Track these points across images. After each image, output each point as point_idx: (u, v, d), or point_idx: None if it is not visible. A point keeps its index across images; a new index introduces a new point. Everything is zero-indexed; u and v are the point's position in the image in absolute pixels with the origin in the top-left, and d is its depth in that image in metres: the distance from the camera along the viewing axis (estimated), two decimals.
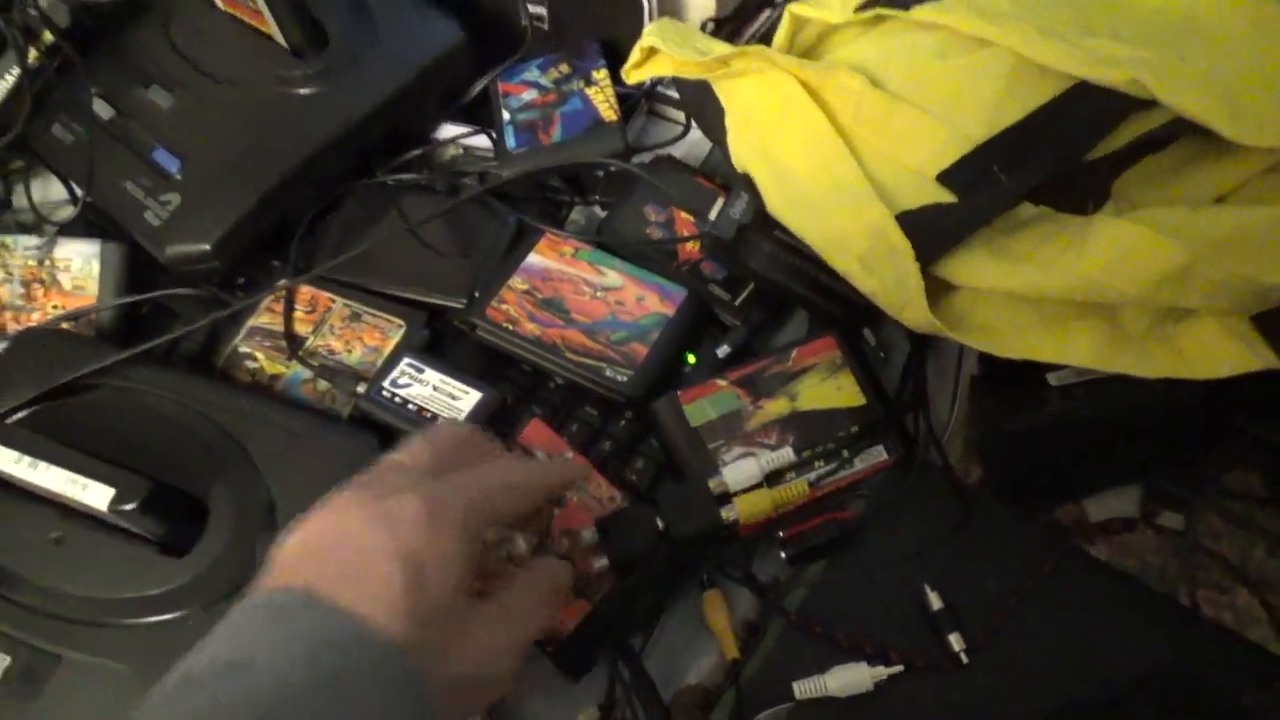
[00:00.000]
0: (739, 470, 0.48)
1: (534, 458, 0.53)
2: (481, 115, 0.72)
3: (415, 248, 0.65)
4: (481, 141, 0.70)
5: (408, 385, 0.56)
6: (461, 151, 0.72)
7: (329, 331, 0.62)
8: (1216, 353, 0.46)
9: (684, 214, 0.64)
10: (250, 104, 0.67)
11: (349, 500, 0.36)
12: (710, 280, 0.60)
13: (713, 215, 0.61)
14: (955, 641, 0.46)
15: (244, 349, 0.62)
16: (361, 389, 0.57)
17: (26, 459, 0.50)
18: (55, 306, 0.66)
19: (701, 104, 0.63)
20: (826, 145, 0.55)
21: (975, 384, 0.54)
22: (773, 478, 0.49)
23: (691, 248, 0.62)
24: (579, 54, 0.72)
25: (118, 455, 0.52)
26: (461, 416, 0.55)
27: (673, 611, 0.51)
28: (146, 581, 0.50)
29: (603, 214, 0.67)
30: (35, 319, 0.65)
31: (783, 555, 0.50)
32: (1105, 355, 0.47)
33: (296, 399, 0.59)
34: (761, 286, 0.59)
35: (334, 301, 0.63)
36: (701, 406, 0.54)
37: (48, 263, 0.67)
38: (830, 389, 0.54)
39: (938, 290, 0.52)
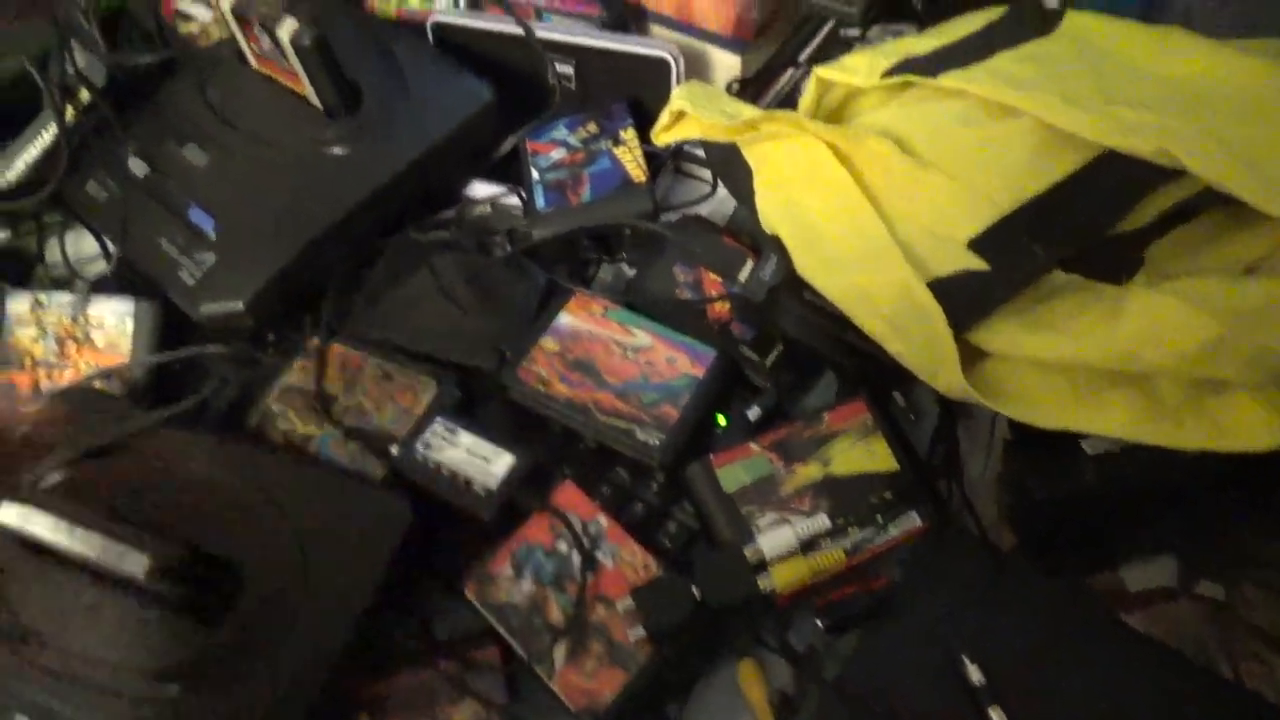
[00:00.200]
0: (775, 539, 0.48)
1: (566, 522, 0.53)
2: (510, 173, 0.73)
3: (445, 306, 0.65)
4: (511, 199, 0.71)
5: (440, 447, 0.56)
6: (490, 209, 0.73)
7: (360, 391, 0.62)
8: (1253, 425, 0.47)
9: (712, 274, 0.64)
10: (284, 163, 0.69)
11: None
12: (740, 341, 0.61)
13: (742, 276, 0.61)
14: (996, 716, 0.46)
15: (276, 408, 0.62)
16: (394, 450, 0.57)
17: (64, 524, 0.51)
18: (88, 364, 0.66)
19: (729, 165, 0.64)
20: (854, 208, 0.56)
21: (1007, 448, 0.54)
22: (808, 545, 0.49)
23: (721, 308, 0.62)
24: (606, 114, 0.73)
25: (152, 518, 0.53)
26: (494, 480, 0.55)
27: (708, 681, 0.51)
28: (178, 649, 0.50)
29: (630, 272, 0.68)
30: (69, 376, 0.66)
31: (819, 624, 0.50)
32: (1141, 427, 0.48)
33: (329, 460, 0.59)
34: (791, 348, 0.59)
35: (365, 361, 0.63)
36: (734, 471, 0.54)
37: (81, 320, 0.67)
38: (862, 453, 0.54)
39: (969, 356, 0.52)
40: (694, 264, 0.64)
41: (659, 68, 0.71)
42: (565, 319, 0.62)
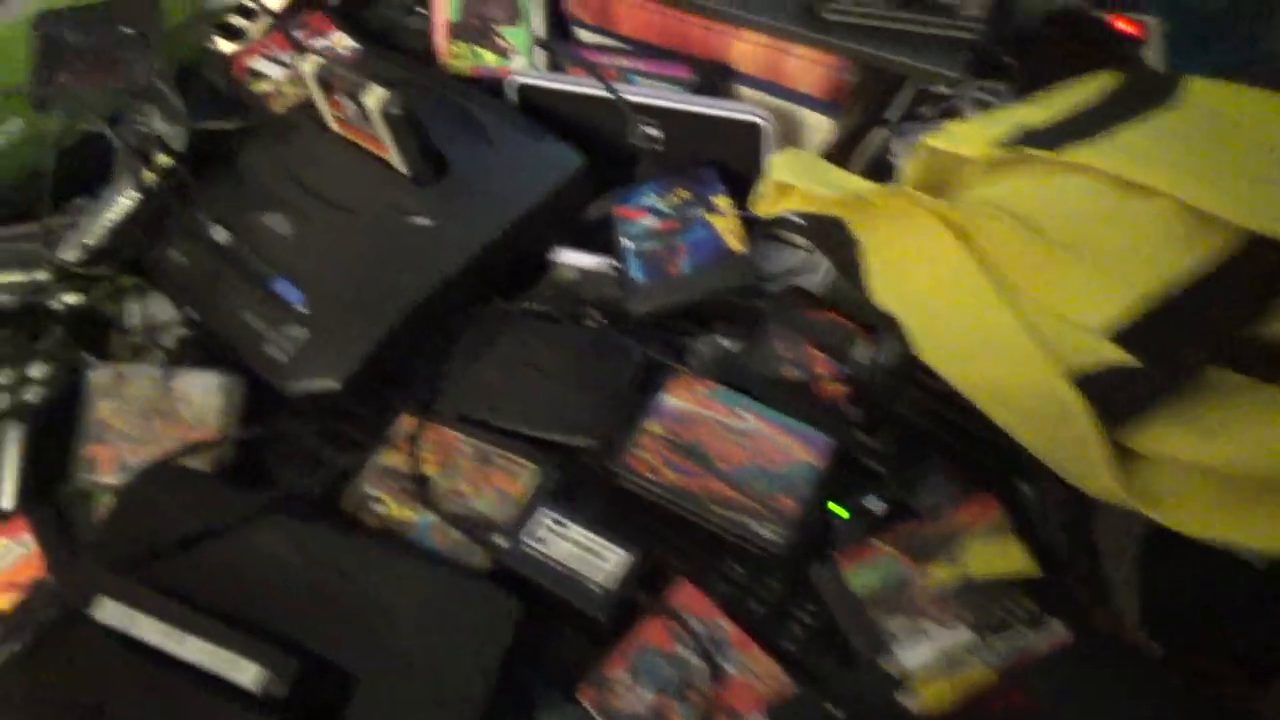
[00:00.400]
0: (915, 652, 0.46)
1: (687, 626, 0.51)
2: (597, 238, 0.71)
3: (539, 381, 0.63)
4: (601, 266, 0.69)
5: (549, 539, 0.54)
6: (579, 277, 0.71)
7: (458, 474, 0.60)
8: None
9: (819, 352, 0.62)
10: (371, 233, 0.67)
11: None
12: (852, 423, 0.58)
13: (854, 356, 0.59)
14: None
15: (370, 490, 0.60)
16: (500, 541, 0.55)
17: (169, 627, 0.49)
18: (174, 439, 0.65)
19: (833, 237, 0.62)
20: (980, 292, 0.53)
21: (1148, 548, 0.52)
22: (950, 659, 0.47)
23: (830, 388, 0.60)
24: (696, 178, 0.71)
25: (254, 616, 0.51)
26: (607, 577, 0.52)
27: None
28: None
29: (725, 345, 0.65)
30: (153, 452, 0.64)
31: None
32: None
33: (430, 549, 0.57)
34: (907, 433, 0.57)
35: (460, 441, 0.61)
36: (862, 573, 0.52)
37: (166, 393, 0.66)
38: (996, 553, 0.52)
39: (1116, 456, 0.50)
40: (799, 340, 0.62)
41: (750, 131, 0.69)
42: (669, 400, 0.60)
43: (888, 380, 0.56)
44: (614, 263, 0.68)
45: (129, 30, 0.81)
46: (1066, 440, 0.49)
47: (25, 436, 0.65)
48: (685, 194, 0.70)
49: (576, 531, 0.54)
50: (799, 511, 0.54)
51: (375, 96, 0.65)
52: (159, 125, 0.75)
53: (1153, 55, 0.74)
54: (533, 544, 0.54)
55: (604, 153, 0.73)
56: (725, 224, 0.67)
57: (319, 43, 0.85)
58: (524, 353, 0.65)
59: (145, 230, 0.72)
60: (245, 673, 0.47)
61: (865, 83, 0.73)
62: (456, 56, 0.83)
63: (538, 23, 0.79)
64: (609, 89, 0.71)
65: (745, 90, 0.74)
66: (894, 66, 0.67)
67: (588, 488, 0.59)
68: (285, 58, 0.84)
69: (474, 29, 0.82)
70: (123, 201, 0.73)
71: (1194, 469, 0.47)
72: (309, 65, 0.70)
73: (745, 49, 0.72)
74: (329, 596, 0.53)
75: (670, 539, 0.56)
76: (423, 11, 0.87)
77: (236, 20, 0.86)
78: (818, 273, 0.67)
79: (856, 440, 0.58)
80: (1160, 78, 0.64)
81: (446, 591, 0.53)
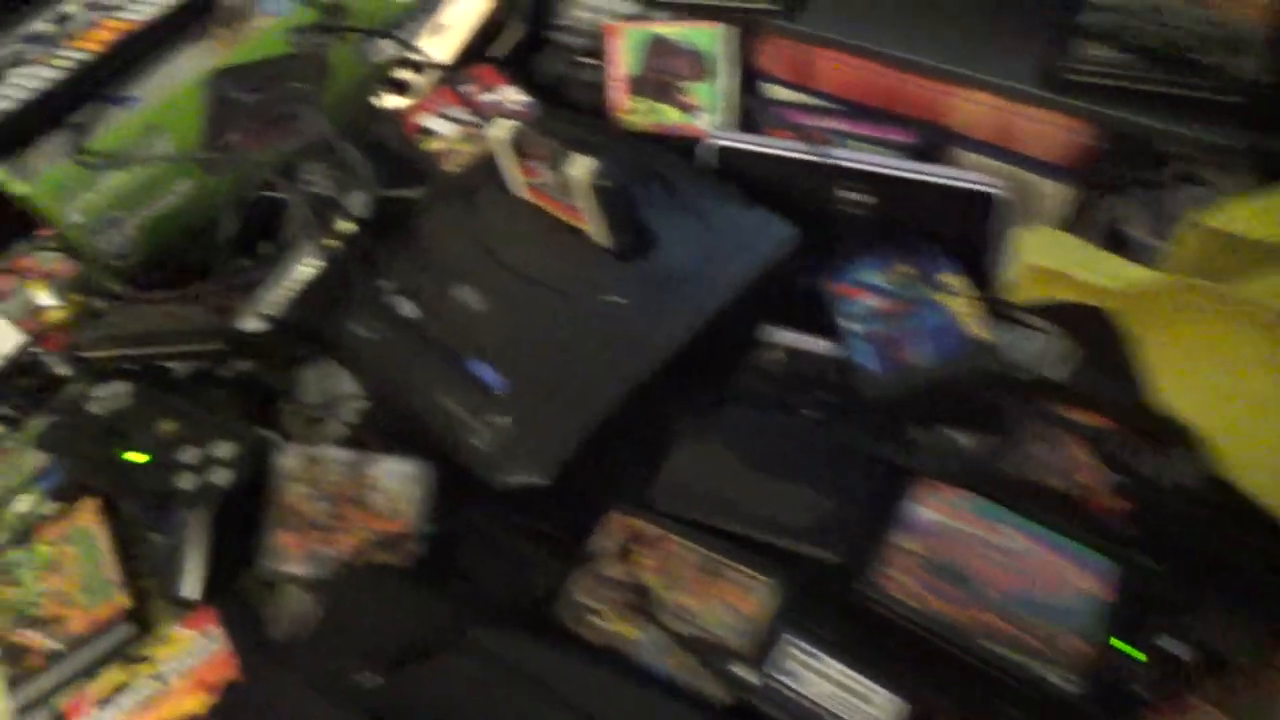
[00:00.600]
0: None
1: None
2: (806, 315, 0.65)
3: (763, 479, 0.58)
4: (817, 348, 0.63)
5: (801, 675, 0.49)
6: (785, 356, 0.65)
7: (680, 585, 0.55)
8: None
9: (1083, 456, 0.56)
10: (572, 311, 0.62)
11: None
12: (1135, 546, 0.52)
13: (1137, 467, 0.52)
14: None
15: (586, 600, 0.55)
16: (743, 673, 0.50)
17: None
18: (366, 528, 0.61)
19: (1093, 328, 0.55)
20: None
21: None
22: None
23: (1107, 501, 0.53)
24: (915, 252, 0.65)
25: None
26: None
27: None
28: None
29: (962, 441, 0.59)
30: (345, 542, 0.61)
31: None
32: None
33: (660, 675, 0.51)
34: (1210, 561, 0.50)
35: (679, 545, 0.56)
36: None
37: (358, 480, 0.62)
38: None
39: None
40: (1060, 443, 0.56)
41: (980, 203, 0.63)
42: (918, 509, 0.54)
43: (1183, 497, 0.50)
44: (833, 345, 0.62)
45: (299, 86, 0.79)
46: None
47: (212, 521, 0.62)
48: (908, 270, 0.64)
49: (833, 667, 0.48)
50: (1090, 653, 0.48)
51: (583, 168, 0.60)
52: (336, 188, 0.72)
53: None
54: (783, 679, 0.49)
55: (804, 220, 0.67)
56: (961, 306, 0.61)
57: (488, 97, 0.82)
58: (741, 446, 0.59)
59: (325, 300, 0.69)
60: None
61: (1106, 147, 0.67)
62: (634, 112, 0.78)
63: (729, 79, 0.75)
64: (819, 154, 0.65)
65: (968, 155, 0.68)
66: (1154, 134, 0.61)
67: (829, 609, 0.53)
68: (456, 113, 0.80)
69: (655, 84, 0.78)
70: (304, 270, 0.70)
71: None
72: (501, 130, 0.66)
73: (969, 110, 0.66)
74: None
75: (934, 677, 0.50)
76: (593, 62, 0.83)
77: (404, 74, 0.83)
78: (1066, 363, 0.61)
79: (1143, 566, 0.51)
80: None
81: None
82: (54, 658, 0.61)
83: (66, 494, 0.69)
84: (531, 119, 0.77)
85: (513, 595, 0.56)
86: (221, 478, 0.63)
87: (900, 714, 0.46)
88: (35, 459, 0.72)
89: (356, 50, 0.82)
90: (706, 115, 0.75)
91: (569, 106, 0.83)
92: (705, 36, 0.74)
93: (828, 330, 0.64)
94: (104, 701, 0.58)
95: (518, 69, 0.84)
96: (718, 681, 0.50)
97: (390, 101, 0.82)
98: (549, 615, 0.55)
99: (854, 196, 0.67)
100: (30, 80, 0.73)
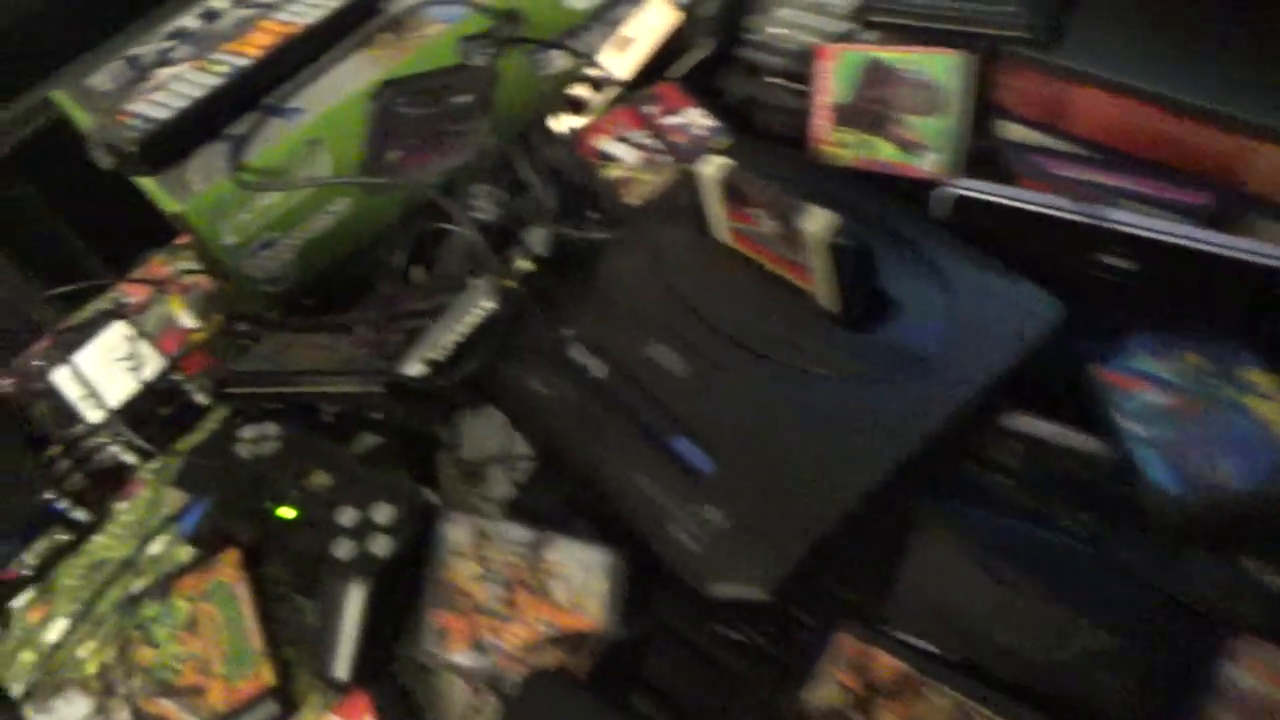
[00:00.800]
0: None
1: None
2: (1061, 399, 0.55)
3: (1019, 607, 0.48)
4: (1076, 442, 0.54)
5: None
6: (1020, 447, 0.56)
7: None
8: None
9: None
10: (796, 386, 0.53)
11: None
12: None
13: None
14: None
15: None
16: None
17: None
18: (543, 621, 0.53)
19: None
20: None
21: None
22: None
23: None
24: (1202, 336, 0.54)
25: None
26: None
27: None
28: None
29: (1268, 581, 0.49)
30: (517, 634, 0.53)
31: None
32: None
33: None
34: None
35: (922, 682, 0.47)
36: None
37: (536, 564, 0.55)
38: None
39: None
40: None
41: None
42: (1235, 672, 0.44)
43: None
44: (1100, 443, 0.53)
45: (466, 99, 0.71)
46: None
47: (370, 595, 0.56)
48: (1196, 360, 0.54)
49: None
50: None
51: (821, 223, 0.52)
52: (507, 216, 0.65)
53: None
54: None
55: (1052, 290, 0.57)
56: (1273, 412, 0.51)
57: (672, 120, 0.73)
58: (993, 561, 0.50)
59: (498, 347, 0.62)
60: None
61: None
62: (840, 145, 0.69)
63: (963, 116, 0.64)
64: (1095, 214, 0.55)
65: (1266, 224, 0.57)
66: None
67: None
68: (638, 137, 0.72)
69: (869, 114, 0.68)
70: (475, 312, 0.62)
71: None
72: (713, 169, 0.57)
73: (1271, 169, 0.56)
74: None
75: None
76: (789, 85, 0.74)
77: (580, 92, 0.76)
78: None
79: None
80: None
81: None
82: None
83: (205, 540, 0.63)
84: (735, 154, 0.68)
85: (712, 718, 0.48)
86: (382, 547, 0.56)
87: None
88: (173, 497, 0.67)
89: (529, 62, 0.75)
90: (932, 155, 0.65)
91: (759, 133, 0.74)
92: (938, 65, 0.64)
93: (1082, 420, 0.55)
94: None
95: (701, 89, 0.75)
96: None
97: (563, 121, 0.74)
98: None
99: (1121, 264, 0.57)
100: (189, 87, 0.67)
